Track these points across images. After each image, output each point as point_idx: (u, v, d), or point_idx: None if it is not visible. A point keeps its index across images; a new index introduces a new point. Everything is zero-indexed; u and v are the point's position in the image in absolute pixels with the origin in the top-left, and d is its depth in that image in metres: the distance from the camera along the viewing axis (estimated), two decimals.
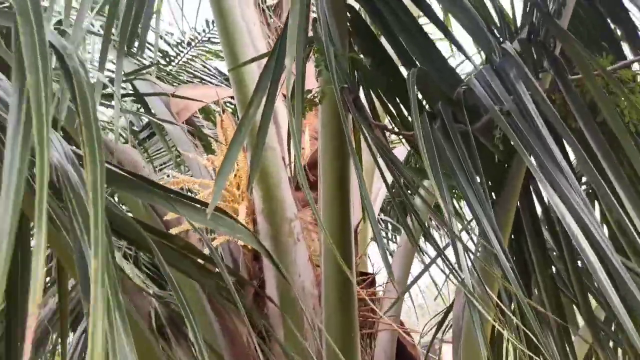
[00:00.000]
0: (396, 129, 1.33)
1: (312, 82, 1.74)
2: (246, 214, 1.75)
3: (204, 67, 3.30)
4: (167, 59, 3.32)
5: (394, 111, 1.43)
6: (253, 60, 1.43)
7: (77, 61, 0.57)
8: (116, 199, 2.08)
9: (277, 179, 1.66)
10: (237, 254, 1.81)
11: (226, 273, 0.90)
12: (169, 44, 3.28)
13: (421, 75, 1.19)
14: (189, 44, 3.29)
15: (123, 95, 2.16)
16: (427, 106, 1.33)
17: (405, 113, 1.39)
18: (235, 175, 1.84)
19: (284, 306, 1.56)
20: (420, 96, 1.38)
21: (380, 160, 1.28)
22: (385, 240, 3.38)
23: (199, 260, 1.19)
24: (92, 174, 0.49)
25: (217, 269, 1.27)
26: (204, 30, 3.29)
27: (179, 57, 3.31)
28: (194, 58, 3.33)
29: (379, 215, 3.05)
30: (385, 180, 1.29)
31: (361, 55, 1.38)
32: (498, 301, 1.01)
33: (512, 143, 1.46)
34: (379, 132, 1.19)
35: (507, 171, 1.50)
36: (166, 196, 0.97)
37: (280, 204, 1.65)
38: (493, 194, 1.50)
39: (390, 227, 3.34)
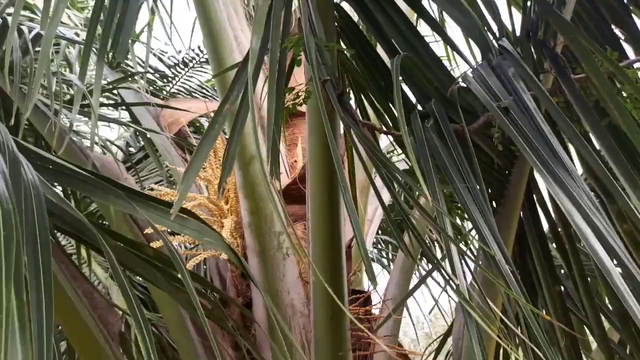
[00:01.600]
0: (386, 130, 1.25)
1: (298, 81, 1.67)
2: (234, 229, 1.66)
3: (201, 87, 3.27)
4: (165, 80, 3.30)
5: (385, 115, 1.35)
6: (237, 65, 1.36)
7: None
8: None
9: (265, 191, 1.57)
10: (224, 271, 1.71)
11: (189, 284, 0.80)
12: (164, 63, 3.25)
13: (411, 70, 1.11)
14: (185, 64, 3.26)
15: (105, 105, 2.11)
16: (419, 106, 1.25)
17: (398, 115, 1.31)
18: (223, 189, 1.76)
19: (272, 326, 1.44)
20: (413, 99, 1.30)
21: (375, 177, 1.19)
22: (385, 261, 3.27)
23: (177, 275, 1.09)
24: None
25: (201, 286, 1.17)
26: (201, 51, 3.26)
27: (175, 78, 3.28)
28: (190, 80, 3.30)
29: (378, 234, 2.94)
30: (374, 188, 1.20)
31: (350, 58, 1.31)
32: (500, 314, 0.90)
33: (512, 148, 1.38)
34: (368, 132, 1.10)
35: (507, 180, 1.40)
36: (129, 198, 0.88)
37: (268, 217, 1.55)
38: (493, 203, 1.40)
39: (390, 247, 3.23)
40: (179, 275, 1.09)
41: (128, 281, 0.77)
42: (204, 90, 3.35)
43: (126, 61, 2.45)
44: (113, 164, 1.51)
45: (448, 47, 2.11)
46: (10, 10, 1.77)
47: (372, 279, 0.86)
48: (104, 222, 2.27)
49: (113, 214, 1.35)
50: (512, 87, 1.14)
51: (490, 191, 1.38)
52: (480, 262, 1.11)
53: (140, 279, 2.09)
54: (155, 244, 1.36)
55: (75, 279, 1.01)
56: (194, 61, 3.37)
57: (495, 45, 1.24)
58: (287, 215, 1.66)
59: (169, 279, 1.06)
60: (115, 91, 2.21)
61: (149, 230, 1.42)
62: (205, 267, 1.94)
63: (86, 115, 1.95)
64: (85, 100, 1.64)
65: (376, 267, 3.14)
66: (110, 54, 1.79)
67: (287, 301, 1.46)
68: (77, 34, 1.79)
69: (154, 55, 3.06)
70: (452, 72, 1.75)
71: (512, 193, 1.34)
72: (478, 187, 1.03)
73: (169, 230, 1.24)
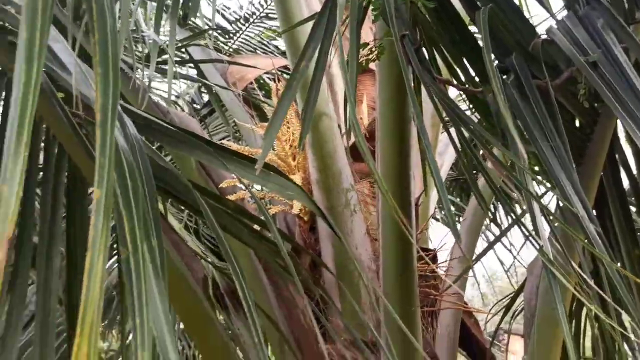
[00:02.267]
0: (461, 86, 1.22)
1: (369, 38, 1.64)
2: (302, 186, 1.69)
3: (262, 43, 3.27)
4: (227, 36, 3.33)
5: (459, 71, 1.31)
6: (306, 20, 1.35)
7: None
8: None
9: (333, 148, 1.58)
10: (293, 225, 1.76)
11: (278, 234, 0.84)
12: (227, 20, 3.27)
13: (490, 22, 1.06)
14: (246, 19, 3.27)
15: (179, 62, 2.16)
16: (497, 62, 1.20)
17: (472, 73, 1.27)
18: (291, 145, 1.79)
19: (341, 278, 1.49)
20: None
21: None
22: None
23: (254, 226, 1.14)
24: (102, 97, 0.43)
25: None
26: (261, 5, 3.25)
27: (237, 34, 3.30)
28: (251, 35, 3.30)
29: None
30: (452, 142, 1.18)
31: (422, 11, 1.27)
32: (581, 272, 0.89)
33: (595, 105, 1.31)
34: (443, 87, 1.08)
35: (588, 138, 1.34)
36: (216, 153, 0.92)
37: (336, 174, 1.57)
38: (573, 163, 1.35)
39: (454, 207, 3.20)
40: (255, 227, 1.14)
41: (222, 233, 0.82)
42: (264, 46, 3.36)
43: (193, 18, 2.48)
44: (191, 120, 1.57)
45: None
46: None
47: (455, 234, 0.86)
48: None
49: (193, 168, 1.41)
50: (601, 39, 1.07)
51: (570, 150, 1.33)
52: (558, 221, 1.09)
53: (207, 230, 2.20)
54: (232, 197, 1.42)
55: (165, 232, 1.08)
56: (254, 16, 3.36)
57: None
58: (354, 173, 1.67)
59: (248, 230, 1.11)
60: (183, 48, 2.26)
61: (224, 184, 1.49)
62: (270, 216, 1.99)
63: (159, 72, 2.01)
64: (159, 57, 1.69)
65: (440, 227, 3.14)
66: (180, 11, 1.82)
67: (355, 256, 1.50)
68: None
69: (217, 11, 3.08)
70: (531, 19, 1.66)
71: (593, 152, 1.28)
72: (561, 146, 1.00)
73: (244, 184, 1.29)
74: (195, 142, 0.93)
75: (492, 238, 2.68)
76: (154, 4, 1.79)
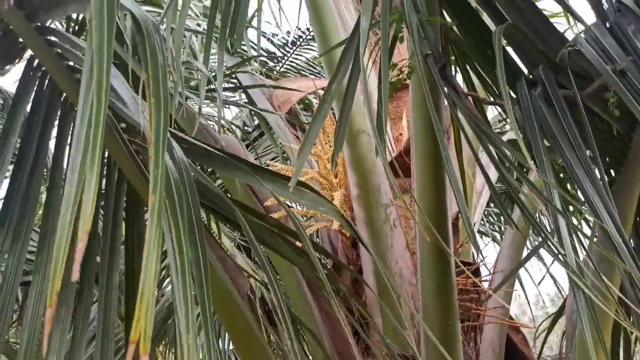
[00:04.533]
0: (491, 100, 1.24)
1: (402, 55, 1.68)
2: (343, 202, 1.75)
3: (308, 64, 3.40)
4: (275, 60, 3.48)
5: (493, 85, 1.33)
6: (343, 42, 1.43)
7: (151, 25, 0.62)
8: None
9: (372, 164, 1.63)
10: (336, 241, 1.82)
11: (312, 249, 0.90)
12: (274, 45, 3.43)
13: (518, 37, 1.09)
14: (293, 43, 3.41)
15: (226, 89, 2.30)
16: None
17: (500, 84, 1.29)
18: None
19: (382, 293, 1.53)
20: (523, 67, 1.27)
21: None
22: (498, 235, 3.19)
23: (297, 244, 1.20)
24: (155, 122, 0.52)
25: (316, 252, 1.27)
26: (308, 29, 3.38)
27: (285, 58, 3.45)
28: (298, 57, 3.44)
29: (489, 207, 2.87)
30: (479, 164, 1.21)
31: (454, 27, 1.31)
32: (617, 292, 0.89)
33: (632, 112, 1.28)
34: (472, 104, 1.11)
35: (627, 146, 1.31)
36: (254, 172, 1.00)
37: (375, 190, 1.62)
38: (612, 171, 1.32)
39: (502, 220, 3.14)
40: (297, 243, 1.20)
41: (262, 251, 0.89)
42: (310, 67, 3.49)
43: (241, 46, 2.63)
44: (236, 143, 1.68)
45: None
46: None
47: (477, 249, 0.89)
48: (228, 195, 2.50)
49: (239, 188, 1.51)
50: (631, 46, 1.07)
51: (607, 159, 1.30)
52: (596, 236, 1.08)
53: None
54: (276, 215, 1.50)
55: (212, 247, 1.17)
56: (301, 39, 3.50)
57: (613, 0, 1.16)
58: (394, 188, 1.71)
59: (289, 246, 1.18)
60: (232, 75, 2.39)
61: (268, 202, 1.57)
62: (318, 239, 2.07)
63: (210, 99, 2.15)
64: (209, 85, 1.81)
65: (487, 240, 3.11)
66: (228, 41, 1.94)
67: (395, 270, 1.53)
68: (198, 25, 1.96)
69: (266, 38, 3.23)
70: (570, 29, 1.66)
71: (632, 160, 1.26)
72: (591, 155, 1.00)
73: (287, 202, 1.36)
74: (235, 163, 1.01)
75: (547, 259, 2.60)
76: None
